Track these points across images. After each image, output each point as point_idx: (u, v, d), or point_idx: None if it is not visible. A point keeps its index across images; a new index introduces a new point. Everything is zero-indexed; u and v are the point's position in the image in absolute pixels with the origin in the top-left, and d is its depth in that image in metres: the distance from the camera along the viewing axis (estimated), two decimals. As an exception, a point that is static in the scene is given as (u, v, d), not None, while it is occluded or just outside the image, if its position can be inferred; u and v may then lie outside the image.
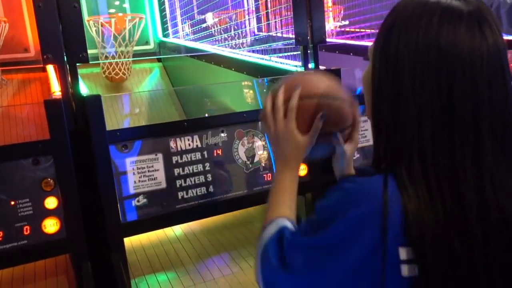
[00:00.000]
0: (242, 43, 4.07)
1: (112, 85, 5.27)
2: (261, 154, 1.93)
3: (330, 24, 4.21)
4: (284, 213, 0.91)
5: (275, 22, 3.39)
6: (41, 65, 4.53)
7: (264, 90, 2.44)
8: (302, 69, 2.14)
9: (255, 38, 4.02)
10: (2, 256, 1.51)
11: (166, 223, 1.86)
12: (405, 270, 0.64)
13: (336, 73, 1.96)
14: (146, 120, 4.78)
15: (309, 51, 2.09)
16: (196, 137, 1.80)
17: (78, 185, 1.58)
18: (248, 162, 1.91)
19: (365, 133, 2.09)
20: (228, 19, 4.71)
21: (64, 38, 1.56)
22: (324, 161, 1.11)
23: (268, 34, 3.54)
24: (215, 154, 1.84)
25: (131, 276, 1.79)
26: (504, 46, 0.69)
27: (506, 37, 1.71)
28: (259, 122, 1.88)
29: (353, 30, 3.85)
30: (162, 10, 6.22)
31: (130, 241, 2.12)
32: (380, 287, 0.65)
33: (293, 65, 2.51)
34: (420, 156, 0.67)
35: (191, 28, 5.51)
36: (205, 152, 1.82)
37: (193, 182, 1.79)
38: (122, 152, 1.67)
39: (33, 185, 1.53)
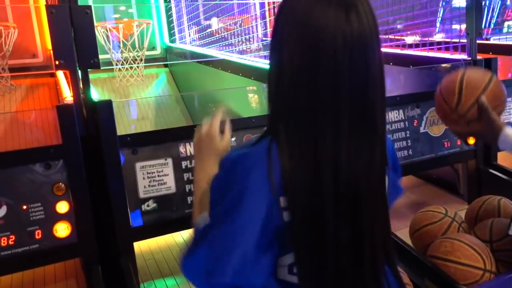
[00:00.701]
0: (250, 49, 4.08)
1: (118, 90, 5.31)
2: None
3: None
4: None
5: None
6: (50, 71, 4.57)
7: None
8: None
9: (262, 43, 4.03)
10: (14, 260, 1.51)
11: (176, 228, 1.86)
12: (286, 216, 0.77)
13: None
14: (153, 125, 4.80)
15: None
16: (205, 142, 1.80)
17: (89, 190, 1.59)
18: (257, 167, 1.90)
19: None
20: (234, 25, 4.74)
21: (76, 44, 1.58)
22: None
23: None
24: (224, 159, 1.84)
25: (140, 281, 1.80)
26: (372, 34, 0.75)
27: None
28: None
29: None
30: (168, 16, 6.27)
31: (138, 246, 2.12)
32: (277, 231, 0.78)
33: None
34: (293, 120, 0.77)
35: (197, 33, 5.53)
36: (214, 157, 1.82)
37: (202, 187, 1.79)
38: (132, 157, 1.68)
39: (45, 190, 1.54)
